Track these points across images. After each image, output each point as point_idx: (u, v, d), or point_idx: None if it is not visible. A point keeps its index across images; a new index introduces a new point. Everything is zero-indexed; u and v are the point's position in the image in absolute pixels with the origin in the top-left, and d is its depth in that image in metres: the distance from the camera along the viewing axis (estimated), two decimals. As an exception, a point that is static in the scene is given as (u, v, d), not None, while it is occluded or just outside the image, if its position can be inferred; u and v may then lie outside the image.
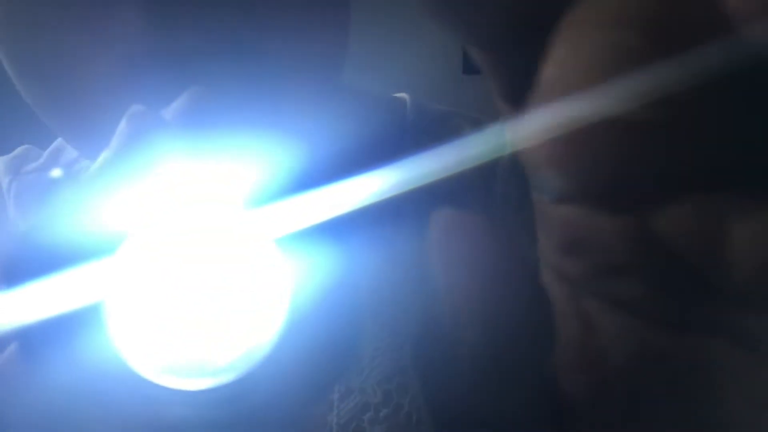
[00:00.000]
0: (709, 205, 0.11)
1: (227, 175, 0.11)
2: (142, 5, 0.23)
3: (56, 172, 0.12)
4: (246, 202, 0.11)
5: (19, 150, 0.38)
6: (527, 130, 0.11)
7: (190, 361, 0.11)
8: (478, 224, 0.13)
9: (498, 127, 0.11)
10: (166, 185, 0.11)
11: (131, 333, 0.11)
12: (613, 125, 0.10)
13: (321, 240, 0.11)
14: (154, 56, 0.23)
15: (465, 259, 0.13)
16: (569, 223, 0.13)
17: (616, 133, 0.10)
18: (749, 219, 0.11)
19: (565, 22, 0.11)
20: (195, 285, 0.11)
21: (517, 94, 0.12)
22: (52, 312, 0.11)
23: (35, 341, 0.12)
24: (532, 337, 0.15)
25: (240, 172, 0.11)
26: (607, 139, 0.10)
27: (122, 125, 0.13)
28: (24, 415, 0.13)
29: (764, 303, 0.11)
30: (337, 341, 0.13)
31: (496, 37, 0.12)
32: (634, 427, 0.14)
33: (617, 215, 0.12)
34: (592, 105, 0.10)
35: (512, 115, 0.12)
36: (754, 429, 0.13)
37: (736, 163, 0.11)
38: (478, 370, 0.15)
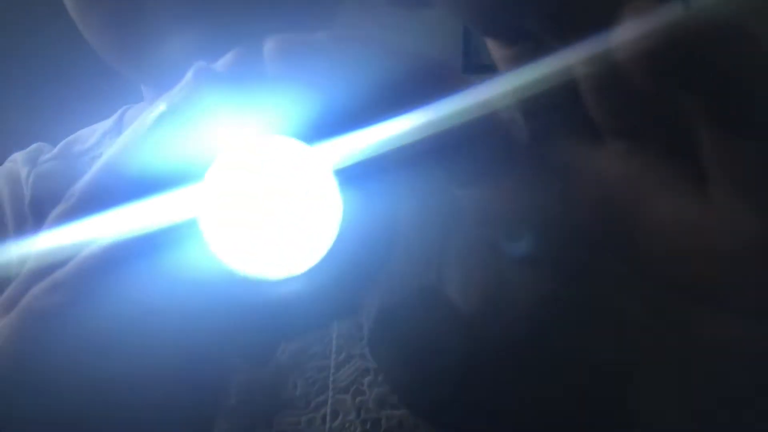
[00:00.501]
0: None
1: (279, 119, 0.15)
2: None
3: (161, 106, 0.14)
4: (301, 139, 0.14)
5: (33, 146, 0.42)
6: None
7: (269, 258, 0.14)
8: None
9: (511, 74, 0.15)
10: (236, 124, 0.15)
11: (224, 238, 0.14)
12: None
13: (359, 170, 0.15)
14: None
15: None
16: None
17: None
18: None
19: None
20: (270, 200, 0.14)
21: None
22: (149, 226, 0.15)
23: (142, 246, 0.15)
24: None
25: (287, 118, 0.15)
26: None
27: (188, 76, 0.16)
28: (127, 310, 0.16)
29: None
30: (376, 246, 0.16)
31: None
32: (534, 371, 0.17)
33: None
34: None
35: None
36: (626, 362, 0.16)
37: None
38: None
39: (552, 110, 0.16)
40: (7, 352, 0.16)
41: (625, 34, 0.14)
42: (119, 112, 0.43)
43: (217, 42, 0.28)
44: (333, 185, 0.14)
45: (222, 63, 0.17)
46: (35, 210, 0.39)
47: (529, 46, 0.16)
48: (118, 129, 0.43)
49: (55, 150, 0.42)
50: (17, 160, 0.42)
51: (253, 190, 0.14)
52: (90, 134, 0.44)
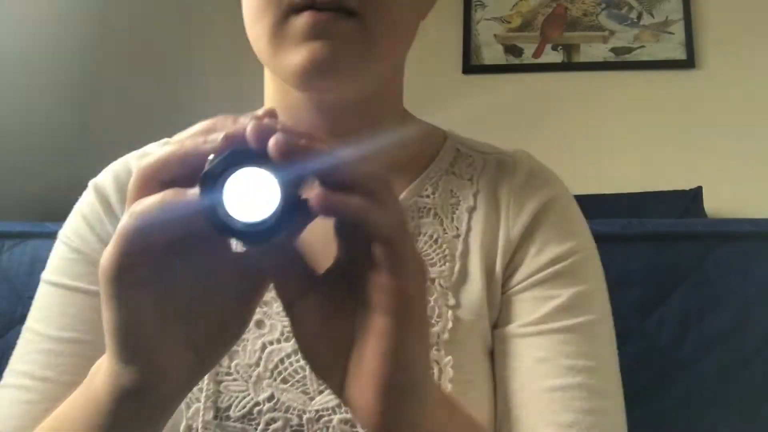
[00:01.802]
0: None
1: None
2: None
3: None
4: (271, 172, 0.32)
5: (163, 140, 0.61)
6: None
7: (249, 214, 0.31)
8: None
9: None
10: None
11: (235, 206, 0.31)
12: None
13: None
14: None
15: None
16: None
17: None
18: None
19: None
20: (254, 192, 0.31)
21: None
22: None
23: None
24: None
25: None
26: None
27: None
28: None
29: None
30: (289, 213, 0.32)
31: None
32: None
33: None
34: None
35: None
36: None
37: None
38: None
39: None
40: (124, 228, 0.32)
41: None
42: None
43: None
44: (278, 189, 0.31)
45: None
46: None
47: None
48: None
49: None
50: (153, 146, 0.62)
51: (248, 188, 0.31)
52: None
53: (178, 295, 0.35)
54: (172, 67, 1.84)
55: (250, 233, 0.31)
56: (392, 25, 0.51)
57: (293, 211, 0.31)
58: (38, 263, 0.88)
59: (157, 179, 0.33)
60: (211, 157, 0.32)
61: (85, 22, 1.54)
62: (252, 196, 0.31)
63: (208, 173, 0.31)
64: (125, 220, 0.32)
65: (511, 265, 0.54)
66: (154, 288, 0.34)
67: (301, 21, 0.48)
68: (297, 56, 0.48)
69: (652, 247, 0.83)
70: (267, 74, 0.58)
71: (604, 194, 1.78)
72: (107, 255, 0.33)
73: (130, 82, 1.67)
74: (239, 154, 0.31)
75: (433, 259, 0.54)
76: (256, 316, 0.51)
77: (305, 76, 0.48)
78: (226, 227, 0.31)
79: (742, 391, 0.78)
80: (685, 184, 1.86)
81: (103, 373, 0.36)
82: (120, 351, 0.34)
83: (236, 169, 0.31)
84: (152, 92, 1.74)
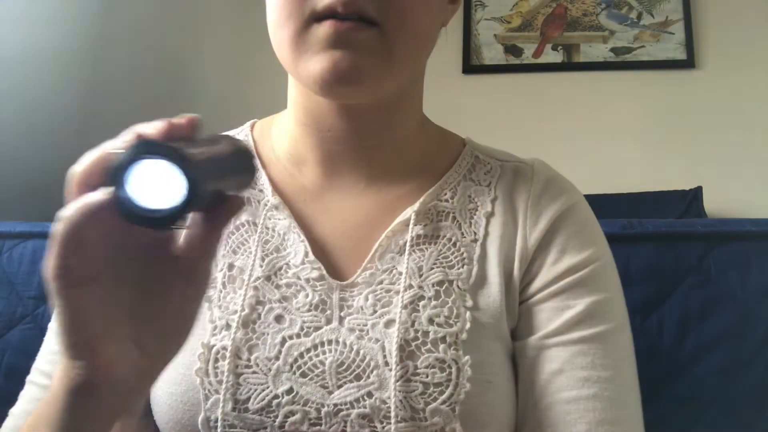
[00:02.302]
0: None
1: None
2: None
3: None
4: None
5: None
6: None
7: (157, 202, 0.33)
8: None
9: None
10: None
11: (144, 193, 0.33)
12: None
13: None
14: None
15: None
16: None
17: None
18: None
19: None
20: (159, 180, 0.33)
21: None
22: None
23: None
24: None
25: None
26: None
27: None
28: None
29: None
30: (194, 200, 0.34)
31: None
32: None
33: None
34: None
35: None
36: None
37: None
38: None
39: None
40: (55, 233, 0.34)
41: None
42: (249, 123, 0.66)
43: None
44: (183, 179, 0.32)
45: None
46: None
47: None
48: (248, 131, 0.66)
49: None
50: None
51: (158, 178, 0.33)
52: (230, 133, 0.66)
53: (122, 295, 0.37)
54: (174, 67, 1.84)
55: (153, 219, 0.33)
56: (412, 33, 0.52)
57: (195, 200, 0.32)
58: (38, 263, 0.88)
59: (86, 185, 0.35)
60: (119, 152, 0.33)
61: (86, 21, 1.54)
62: (162, 186, 0.33)
63: (112, 164, 0.32)
64: (56, 226, 0.34)
65: (529, 273, 0.55)
66: (97, 288, 0.35)
67: (323, 30, 0.49)
68: (318, 64, 0.49)
69: (652, 247, 0.83)
70: (291, 78, 0.59)
71: (604, 194, 1.78)
72: (48, 257, 0.35)
73: (132, 81, 1.66)
74: (144, 146, 0.32)
75: (451, 261, 0.54)
76: (277, 312, 0.53)
77: (325, 84, 0.49)
78: (129, 213, 0.33)
79: (742, 392, 0.77)
80: (685, 184, 1.86)
81: (59, 370, 0.38)
82: (67, 347, 0.36)
83: (140, 159, 0.32)
84: (153, 92, 1.74)
